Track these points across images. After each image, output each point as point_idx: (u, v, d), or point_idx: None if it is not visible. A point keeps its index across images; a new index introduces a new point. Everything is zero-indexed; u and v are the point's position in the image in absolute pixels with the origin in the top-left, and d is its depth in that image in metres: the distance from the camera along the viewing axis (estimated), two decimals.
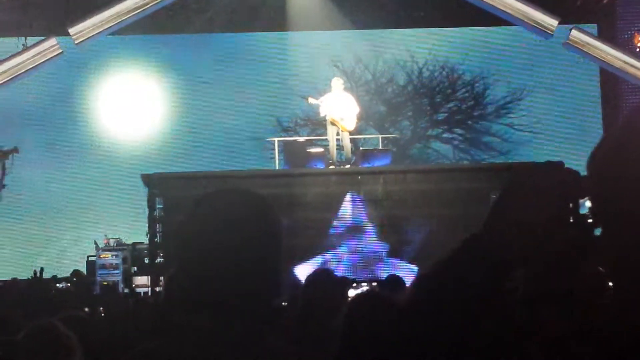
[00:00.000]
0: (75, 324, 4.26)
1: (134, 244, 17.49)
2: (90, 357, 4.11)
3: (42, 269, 13.78)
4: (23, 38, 18.84)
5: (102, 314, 9.84)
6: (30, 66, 18.31)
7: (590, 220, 1.70)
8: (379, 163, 17.31)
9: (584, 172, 1.69)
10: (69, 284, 15.61)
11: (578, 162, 1.93)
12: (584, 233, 1.73)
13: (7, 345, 4.28)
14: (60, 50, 18.28)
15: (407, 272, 13.42)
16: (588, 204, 1.65)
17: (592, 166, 1.64)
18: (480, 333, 1.70)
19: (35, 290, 12.34)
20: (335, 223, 16.23)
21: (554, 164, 1.74)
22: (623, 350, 1.52)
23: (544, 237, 1.68)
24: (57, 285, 15.44)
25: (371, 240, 16.19)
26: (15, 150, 19.03)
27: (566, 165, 1.78)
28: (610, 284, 1.68)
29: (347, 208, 16.35)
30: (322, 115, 17.42)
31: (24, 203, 21.82)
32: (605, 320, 1.62)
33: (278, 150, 18.35)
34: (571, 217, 1.74)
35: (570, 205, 1.73)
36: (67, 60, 19.13)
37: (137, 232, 17.65)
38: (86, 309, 9.31)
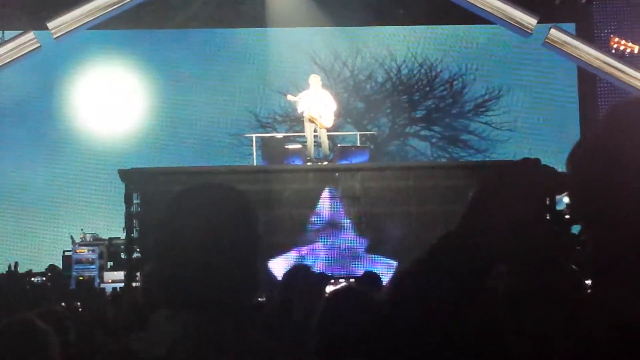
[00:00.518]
0: (52, 319, 4.24)
1: (111, 239, 17.46)
2: (68, 352, 4.09)
3: (16, 263, 13.72)
4: (1, 32, 18.72)
5: (80, 309, 9.81)
6: (8, 60, 18.17)
7: (567, 217, 1.70)
8: (357, 160, 17.32)
9: (561, 169, 1.69)
10: (44, 279, 15.56)
11: (556, 159, 1.94)
12: (562, 230, 1.73)
13: None
14: (38, 45, 18.15)
15: (385, 268, 13.45)
16: (566, 200, 1.66)
17: (571, 164, 1.64)
18: (459, 330, 1.70)
19: (10, 284, 12.29)
20: (313, 219, 16.22)
21: (531, 161, 1.73)
22: (603, 347, 1.53)
23: (521, 234, 1.68)
24: (33, 279, 15.39)
25: (349, 237, 16.20)
26: None
27: (543, 163, 1.78)
28: (588, 281, 1.69)
29: (324, 205, 16.35)
30: (300, 111, 17.41)
31: None
32: (585, 317, 1.62)
33: (256, 146, 18.32)
34: (548, 214, 1.73)
35: (547, 202, 1.73)
36: (45, 54, 19.00)
37: (114, 228, 17.59)
38: (62, 304, 9.28)
